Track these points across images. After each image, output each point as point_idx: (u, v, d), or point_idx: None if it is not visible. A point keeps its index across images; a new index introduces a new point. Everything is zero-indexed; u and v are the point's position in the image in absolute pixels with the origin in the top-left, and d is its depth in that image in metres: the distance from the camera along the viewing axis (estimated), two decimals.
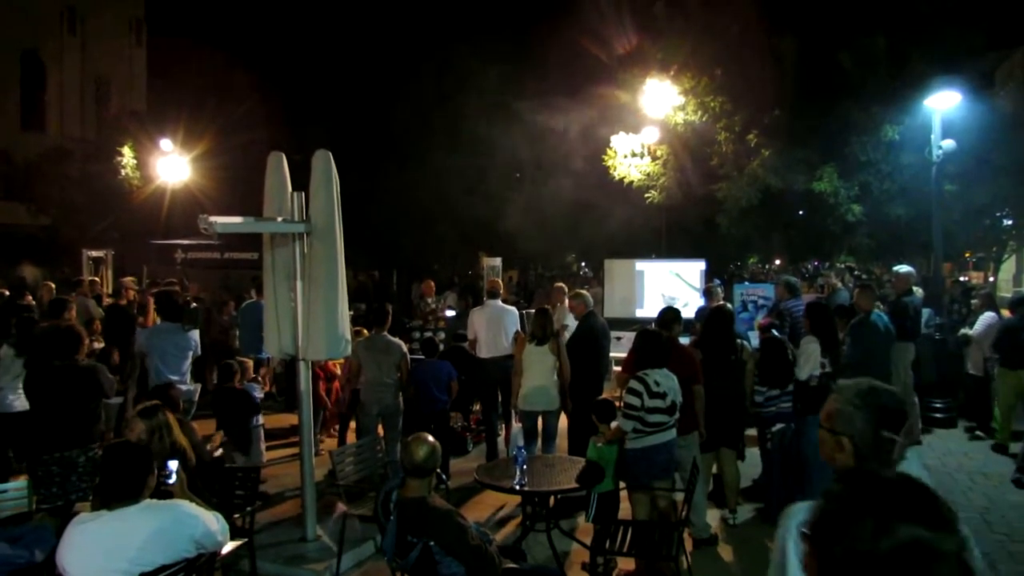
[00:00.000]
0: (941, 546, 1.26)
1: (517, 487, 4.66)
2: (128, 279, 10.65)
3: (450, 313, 12.20)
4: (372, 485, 5.44)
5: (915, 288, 8.77)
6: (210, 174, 17.48)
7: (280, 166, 5.40)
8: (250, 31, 21.47)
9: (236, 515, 4.64)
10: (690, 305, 10.80)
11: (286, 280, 5.30)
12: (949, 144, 10.32)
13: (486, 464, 6.00)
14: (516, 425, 7.45)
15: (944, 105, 10.32)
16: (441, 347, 9.77)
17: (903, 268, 9.10)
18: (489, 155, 17.61)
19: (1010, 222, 17.85)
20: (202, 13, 25.91)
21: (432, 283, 12.98)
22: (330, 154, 5.17)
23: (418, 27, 18.95)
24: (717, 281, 14.55)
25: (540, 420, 6.89)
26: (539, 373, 6.68)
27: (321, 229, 5.08)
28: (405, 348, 7.15)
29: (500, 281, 10.14)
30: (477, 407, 9.56)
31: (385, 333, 7.07)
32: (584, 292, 8.07)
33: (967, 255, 22.48)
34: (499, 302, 8.29)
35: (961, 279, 22.67)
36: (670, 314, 6.23)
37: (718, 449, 6.06)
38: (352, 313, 9.91)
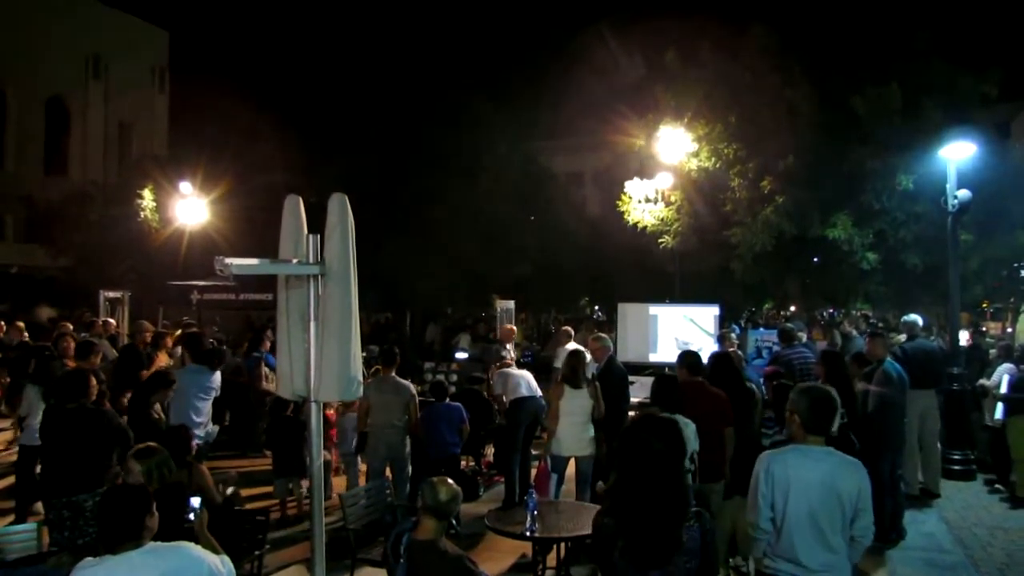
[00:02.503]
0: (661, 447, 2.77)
1: (528, 533, 4.60)
2: (144, 322, 10.74)
3: (462, 355, 12.19)
4: (381, 529, 5.38)
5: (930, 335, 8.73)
6: (228, 216, 17.72)
7: (296, 208, 5.46)
8: (270, 75, 22.05)
9: (245, 560, 4.60)
10: (704, 350, 10.75)
11: (300, 322, 5.33)
12: (964, 194, 10.29)
13: (497, 510, 5.93)
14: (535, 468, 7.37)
15: (959, 155, 10.32)
16: (453, 389, 9.79)
17: (910, 317, 9.09)
18: (504, 199, 17.77)
19: None
20: (223, 58, 26.64)
21: (513, 328, 12.83)
22: (346, 197, 5.24)
23: (435, 73, 19.34)
24: (735, 327, 14.49)
25: (572, 464, 6.82)
26: (576, 417, 6.62)
27: (335, 271, 5.12)
28: (415, 390, 7.15)
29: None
30: (489, 451, 9.51)
31: (394, 374, 7.08)
32: (605, 336, 8.08)
33: (984, 305, 22.23)
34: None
35: (982, 329, 22.40)
36: (694, 357, 6.23)
37: (733, 496, 5.96)
38: (365, 355, 9.97)
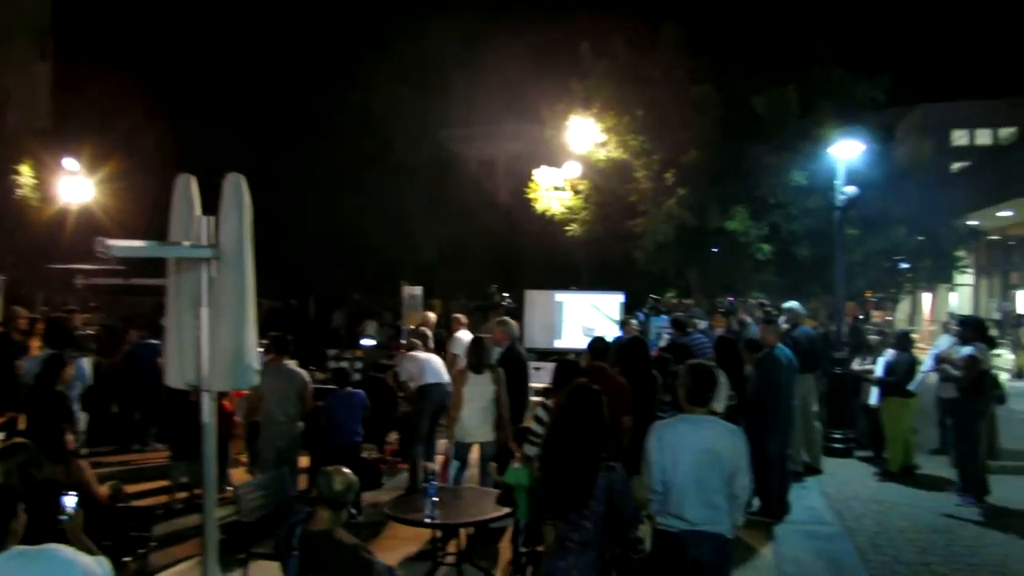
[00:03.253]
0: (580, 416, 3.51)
1: (427, 520, 4.57)
2: (19, 307, 9.99)
3: (368, 342, 11.99)
4: (278, 522, 5.23)
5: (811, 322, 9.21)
6: (117, 195, 16.76)
7: (188, 189, 5.20)
8: (166, 51, 20.92)
9: (127, 558, 4.37)
10: (607, 337, 10.97)
11: (191, 307, 5.09)
12: (851, 191, 10.91)
13: (397, 497, 5.86)
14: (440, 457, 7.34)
15: (847, 154, 10.91)
16: (358, 376, 9.60)
17: (790, 304, 9.59)
18: (413, 185, 17.57)
19: (906, 266, 19.00)
20: (113, 32, 25.07)
21: (430, 315, 12.38)
22: (242, 177, 5.03)
23: (347, 56, 18.88)
24: (640, 314, 14.87)
25: (476, 451, 6.81)
26: (479, 403, 6.62)
27: (230, 255, 4.90)
28: (307, 377, 6.95)
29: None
30: (393, 438, 9.40)
31: (287, 362, 6.86)
32: (508, 320, 8.09)
33: (868, 295, 23.68)
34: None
35: (859, 316, 23.87)
36: (599, 343, 6.34)
37: (633, 477, 6.10)
38: (266, 342, 9.63)
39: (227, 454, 7.60)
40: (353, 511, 5.64)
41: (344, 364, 10.41)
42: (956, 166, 31.83)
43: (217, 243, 4.89)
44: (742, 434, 3.93)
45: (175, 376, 5.29)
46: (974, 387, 7.58)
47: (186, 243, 4.93)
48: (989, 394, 7.92)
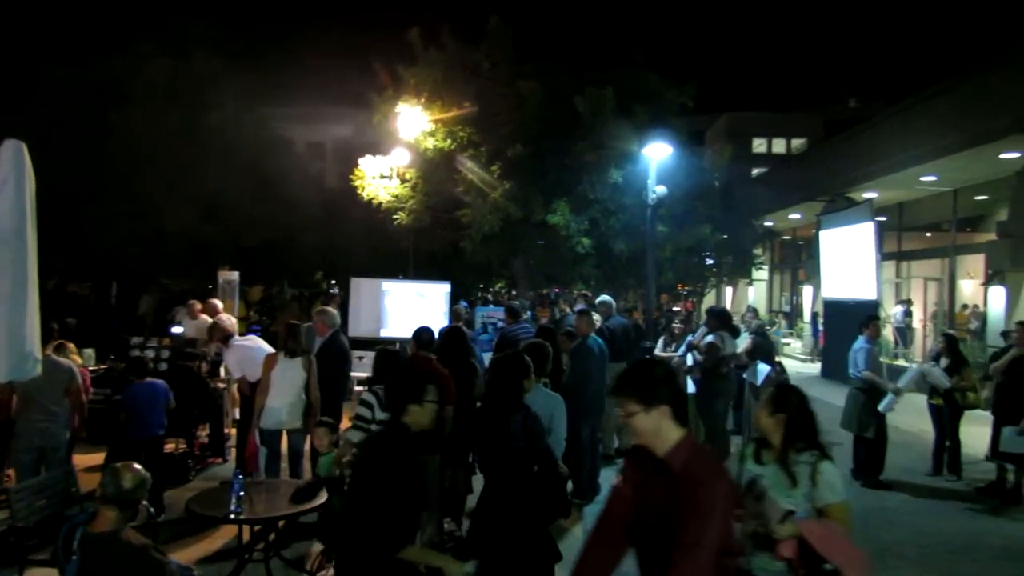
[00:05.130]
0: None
1: (232, 516, 4.37)
2: None
3: (177, 330, 11.27)
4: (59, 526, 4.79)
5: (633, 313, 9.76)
6: None
7: None
8: None
9: None
10: (434, 327, 11.02)
11: None
12: (662, 190, 11.72)
13: (200, 492, 5.56)
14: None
15: (658, 155, 11.68)
16: (164, 366, 9.01)
17: (604, 297, 10.17)
18: (233, 165, 16.61)
19: (711, 261, 20.65)
20: None
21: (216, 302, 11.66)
22: (23, 145, 4.54)
23: (152, 15, 17.44)
24: (464, 304, 15.05)
25: (284, 440, 6.58)
26: (288, 388, 6.38)
27: (5, 231, 4.43)
28: (76, 369, 6.40)
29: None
30: (204, 432, 8.91)
31: (50, 352, 6.25)
32: (329, 309, 7.89)
33: (680, 287, 25.48)
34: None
35: (675, 308, 25.74)
36: (425, 334, 6.34)
37: (450, 466, 6.20)
38: (58, 328, 8.76)
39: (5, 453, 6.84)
40: (152, 510, 5.31)
41: (150, 353, 9.74)
42: (756, 171, 35.03)
43: None
44: (561, 400, 4.84)
45: None
46: (714, 370, 8.37)
47: None
48: (729, 376, 8.76)
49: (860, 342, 8.23)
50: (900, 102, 16.76)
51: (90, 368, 9.29)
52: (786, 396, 3.25)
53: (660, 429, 2.40)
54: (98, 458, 7.46)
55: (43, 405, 5.96)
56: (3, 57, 15.64)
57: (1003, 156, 13.09)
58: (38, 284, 4.65)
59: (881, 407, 8.27)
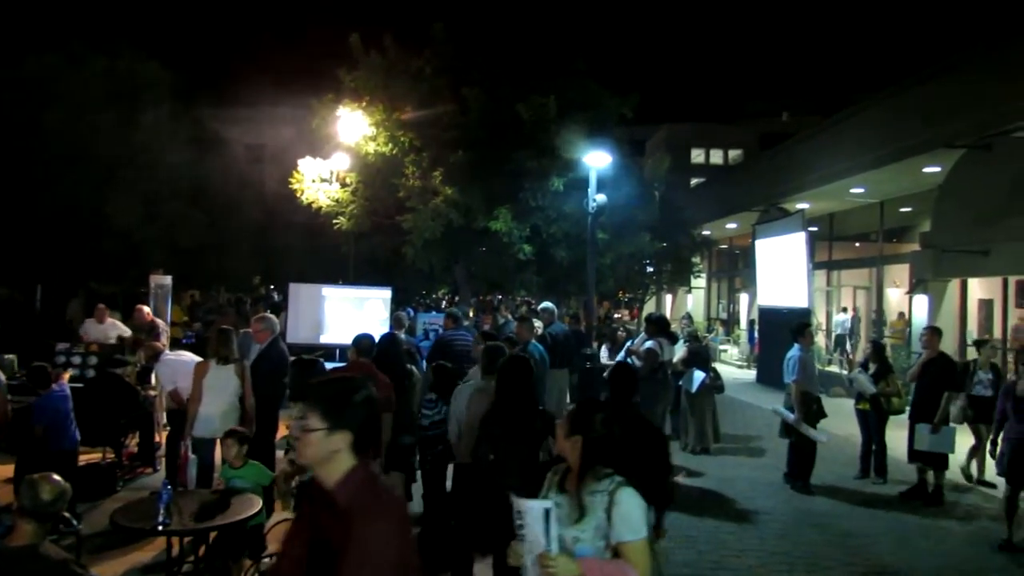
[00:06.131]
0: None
1: (160, 527, 4.24)
2: None
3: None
4: None
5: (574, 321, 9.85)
6: None
7: None
8: None
9: None
10: (375, 333, 10.91)
11: None
12: (601, 198, 11.89)
13: (126, 504, 5.36)
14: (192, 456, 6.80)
15: (598, 164, 11.84)
16: (92, 373, 8.71)
17: (546, 305, 10.29)
18: (167, 165, 16.16)
19: (651, 269, 21.03)
20: None
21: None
22: None
23: (86, 12, 16.89)
24: (409, 310, 14.95)
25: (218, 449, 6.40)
26: (222, 395, 6.23)
27: None
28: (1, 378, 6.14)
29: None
30: (133, 441, 8.63)
31: None
32: (268, 316, 7.71)
33: (621, 295, 25.86)
34: None
35: (616, 315, 26.14)
36: (364, 340, 6.26)
37: (389, 472, 6.14)
38: None
39: None
40: (75, 522, 5.11)
41: (76, 359, 9.38)
42: (694, 181, 35.81)
43: None
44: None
45: None
46: (652, 375, 8.58)
47: None
48: (667, 381, 9.11)
49: (794, 350, 8.48)
50: (831, 116, 17.40)
51: (12, 375, 8.87)
52: (586, 415, 2.80)
53: (333, 457, 2.14)
54: (9, 470, 7.12)
55: None
56: None
57: (926, 170, 13.72)
58: None
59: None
